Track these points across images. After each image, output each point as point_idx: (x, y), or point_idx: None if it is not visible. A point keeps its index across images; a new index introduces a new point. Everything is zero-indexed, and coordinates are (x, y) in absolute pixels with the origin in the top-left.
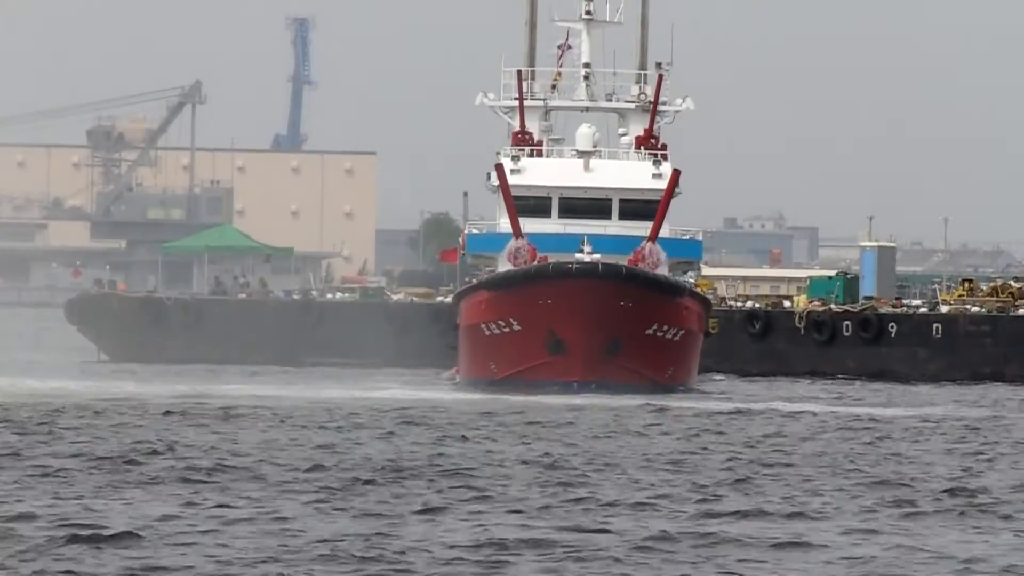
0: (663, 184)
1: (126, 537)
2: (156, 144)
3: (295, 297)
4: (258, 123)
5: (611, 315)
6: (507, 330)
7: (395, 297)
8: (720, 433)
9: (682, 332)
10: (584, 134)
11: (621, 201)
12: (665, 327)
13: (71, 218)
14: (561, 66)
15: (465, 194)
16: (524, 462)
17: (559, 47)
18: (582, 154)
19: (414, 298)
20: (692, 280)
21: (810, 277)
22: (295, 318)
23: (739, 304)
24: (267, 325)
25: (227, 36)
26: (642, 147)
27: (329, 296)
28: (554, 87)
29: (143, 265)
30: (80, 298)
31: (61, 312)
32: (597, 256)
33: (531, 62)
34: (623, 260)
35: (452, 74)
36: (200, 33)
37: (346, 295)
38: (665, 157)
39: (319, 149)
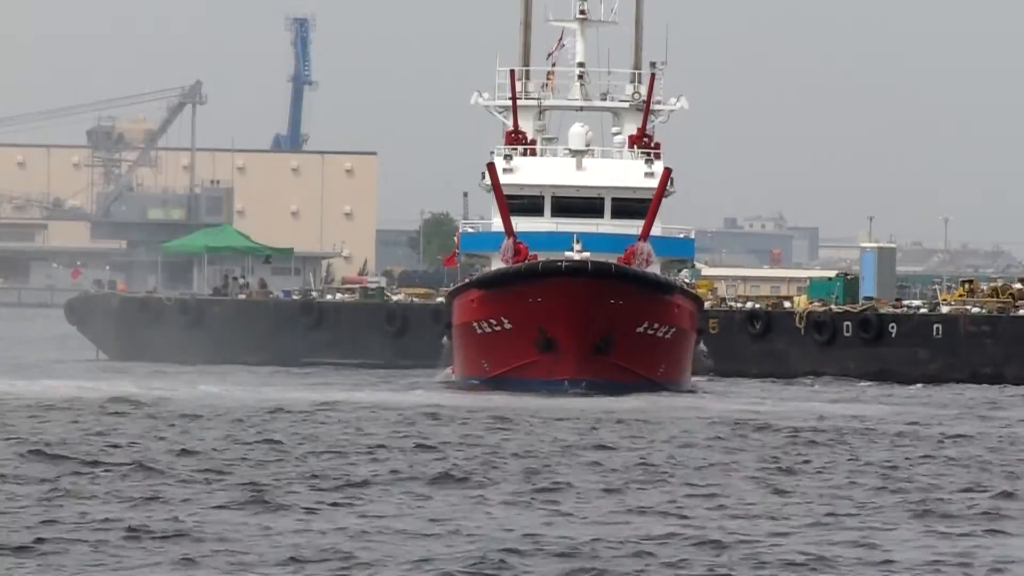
0: (655, 183)
1: None
2: (156, 144)
3: (295, 297)
4: (258, 123)
5: (601, 313)
6: (498, 328)
7: (395, 297)
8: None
9: (673, 330)
10: (577, 133)
11: (613, 200)
12: (656, 325)
13: (71, 218)
14: (554, 64)
15: (465, 194)
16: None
17: (556, 44)
18: (575, 153)
19: (414, 298)
20: (690, 279)
21: (810, 277)
22: (295, 318)
23: (739, 304)
24: (267, 325)
25: (227, 36)
26: (635, 146)
27: (329, 297)
28: (544, 85)
29: (143, 265)
30: (80, 298)
31: (61, 312)
32: (587, 254)
33: (525, 62)
34: (616, 258)
35: (451, 74)
36: (200, 33)
37: (346, 295)
38: (658, 156)
39: (319, 149)
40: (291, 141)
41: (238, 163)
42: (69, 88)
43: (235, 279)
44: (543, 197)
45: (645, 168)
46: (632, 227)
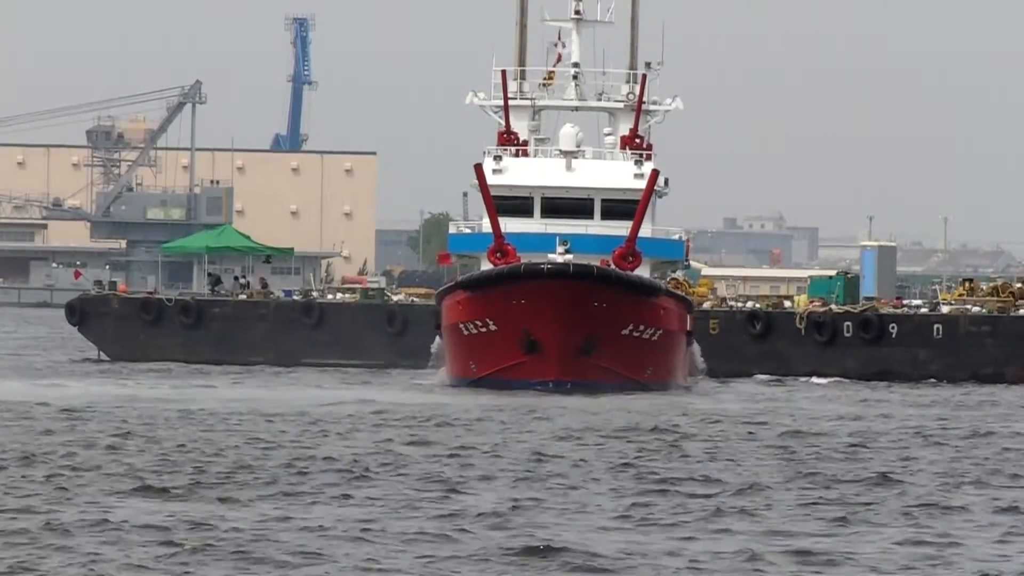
0: (645, 184)
1: None
2: (156, 144)
3: (296, 297)
4: (258, 123)
5: (584, 315)
6: (484, 330)
7: (396, 298)
8: None
9: (660, 332)
10: (567, 134)
11: (603, 201)
12: (642, 327)
13: (71, 218)
14: (555, 64)
15: (465, 194)
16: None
17: (555, 44)
18: (565, 154)
19: (415, 299)
20: (690, 279)
21: (810, 277)
22: (296, 318)
23: (739, 305)
24: (267, 325)
25: (227, 36)
26: (627, 147)
27: (330, 297)
28: (544, 86)
29: (143, 265)
30: (80, 299)
31: (61, 312)
32: (570, 256)
33: (521, 62)
34: (608, 260)
35: (451, 74)
36: (200, 33)
37: (347, 295)
38: (649, 157)
39: (319, 149)
40: (291, 141)
41: (238, 163)
42: (69, 88)
43: (236, 279)
44: (532, 198)
45: (635, 169)
46: (622, 228)
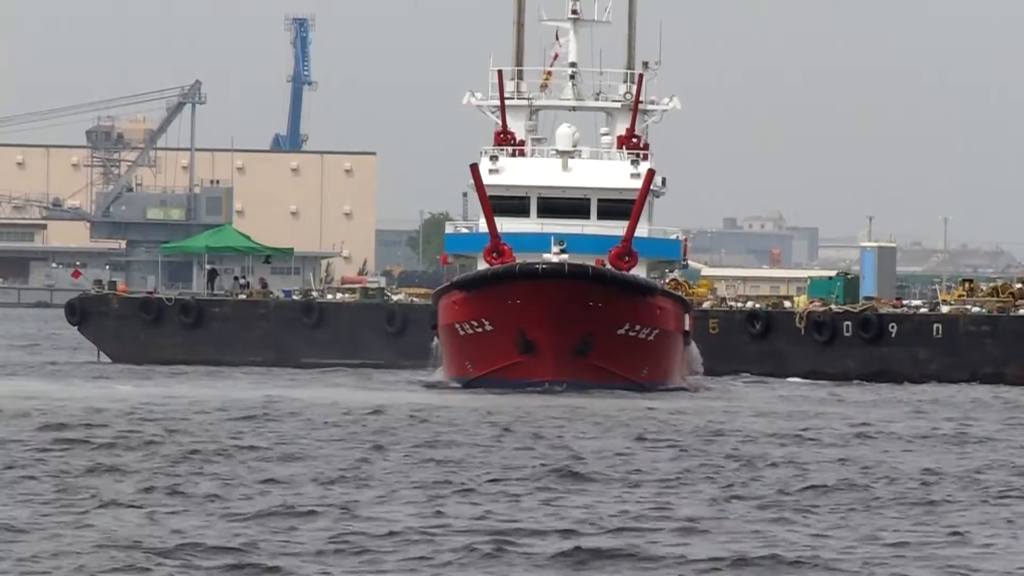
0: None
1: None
2: (156, 144)
3: (296, 297)
4: (258, 123)
5: (579, 315)
6: (480, 330)
7: (395, 297)
8: None
9: (656, 332)
10: (564, 134)
11: (599, 201)
12: (637, 327)
13: (71, 218)
14: (552, 65)
15: (464, 194)
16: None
17: (553, 46)
18: (562, 154)
19: (414, 299)
20: (684, 279)
21: (810, 277)
22: (296, 318)
23: (739, 305)
24: (267, 325)
25: (227, 36)
26: (624, 147)
27: (330, 296)
28: (541, 86)
29: (143, 265)
30: (80, 299)
31: (61, 312)
32: (565, 256)
33: (519, 61)
34: (604, 259)
35: (451, 74)
36: (200, 33)
37: (346, 295)
38: (645, 157)
39: (319, 149)
40: (291, 141)
41: (238, 163)
42: (69, 88)
43: (235, 279)
44: (529, 198)
45: (631, 169)
46: (618, 228)
